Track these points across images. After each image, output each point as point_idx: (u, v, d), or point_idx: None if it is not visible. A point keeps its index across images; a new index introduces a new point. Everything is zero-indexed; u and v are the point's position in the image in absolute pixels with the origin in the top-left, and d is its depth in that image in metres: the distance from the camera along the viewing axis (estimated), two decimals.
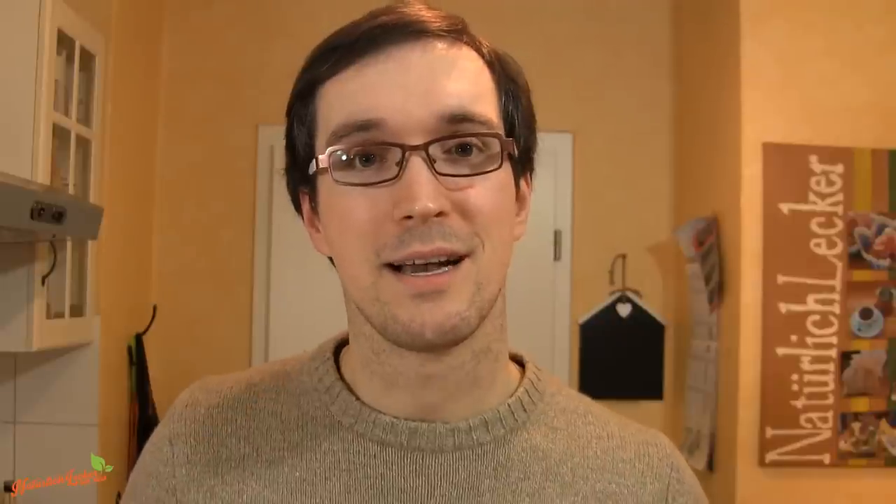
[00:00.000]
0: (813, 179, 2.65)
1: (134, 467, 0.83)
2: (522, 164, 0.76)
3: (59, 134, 2.19)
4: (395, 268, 0.68)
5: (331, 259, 0.76)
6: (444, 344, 0.69)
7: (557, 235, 3.26)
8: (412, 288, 0.67)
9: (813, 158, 2.65)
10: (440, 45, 0.70)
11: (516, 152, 0.73)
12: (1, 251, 2.12)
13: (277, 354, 3.09)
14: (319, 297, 2.73)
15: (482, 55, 0.73)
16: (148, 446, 0.81)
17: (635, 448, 0.80)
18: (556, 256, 3.26)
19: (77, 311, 2.39)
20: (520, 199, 0.76)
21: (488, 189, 0.69)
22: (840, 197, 2.65)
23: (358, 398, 0.76)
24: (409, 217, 0.66)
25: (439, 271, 0.67)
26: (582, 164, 3.30)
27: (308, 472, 0.74)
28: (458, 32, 0.71)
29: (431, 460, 0.73)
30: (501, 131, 0.72)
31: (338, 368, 0.79)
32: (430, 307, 0.67)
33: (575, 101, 3.28)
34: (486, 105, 0.70)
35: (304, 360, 0.81)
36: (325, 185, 0.71)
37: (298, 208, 0.78)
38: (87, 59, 2.39)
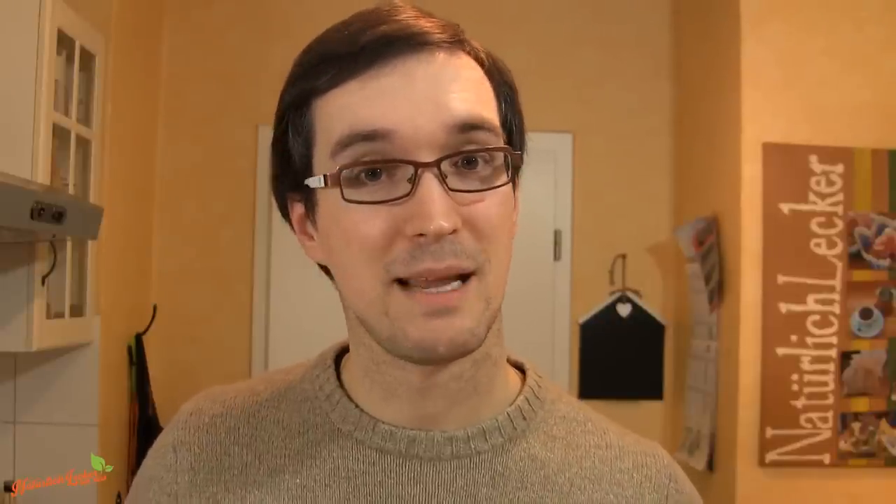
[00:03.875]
0: (813, 179, 2.65)
1: (136, 475, 0.83)
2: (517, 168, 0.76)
3: (59, 134, 2.19)
4: (403, 283, 0.67)
5: (322, 267, 0.76)
6: (453, 358, 0.69)
7: (557, 235, 3.26)
8: (425, 306, 0.67)
9: (813, 158, 2.65)
10: (442, 56, 0.69)
11: (522, 163, 0.73)
12: (1, 251, 2.11)
13: (277, 355, 3.11)
14: (319, 297, 2.72)
15: (481, 63, 0.72)
16: (151, 452, 0.81)
17: (633, 458, 0.80)
18: (556, 256, 3.26)
19: (77, 311, 2.39)
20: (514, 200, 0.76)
21: (495, 203, 0.69)
22: (840, 197, 2.65)
23: (357, 406, 0.76)
24: (422, 234, 0.65)
25: (450, 288, 0.67)
26: (582, 164, 3.30)
27: (308, 478, 0.74)
28: (458, 42, 0.71)
29: (429, 468, 0.73)
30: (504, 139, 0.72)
31: (339, 376, 0.79)
32: (442, 324, 0.67)
33: (575, 101, 3.28)
34: (491, 113, 0.70)
35: (306, 368, 0.82)
36: (328, 198, 0.70)
37: (286, 215, 0.77)
38: (87, 59, 2.39)
